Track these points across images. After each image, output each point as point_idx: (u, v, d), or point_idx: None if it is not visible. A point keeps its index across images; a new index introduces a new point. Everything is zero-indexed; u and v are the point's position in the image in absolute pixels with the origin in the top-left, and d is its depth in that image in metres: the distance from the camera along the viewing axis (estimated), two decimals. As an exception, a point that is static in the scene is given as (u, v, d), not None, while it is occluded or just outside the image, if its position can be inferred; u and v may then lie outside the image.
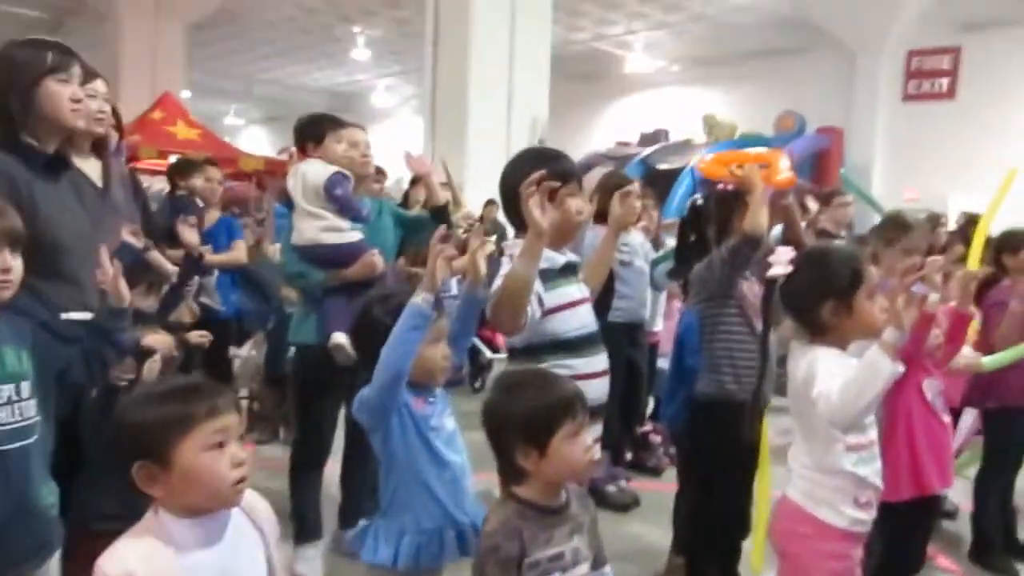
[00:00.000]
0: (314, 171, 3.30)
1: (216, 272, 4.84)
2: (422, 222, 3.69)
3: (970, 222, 4.59)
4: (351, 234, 3.33)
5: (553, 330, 2.35)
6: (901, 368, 1.88)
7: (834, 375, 1.96)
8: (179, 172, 4.88)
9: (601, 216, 2.71)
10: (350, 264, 3.32)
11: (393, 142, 9.06)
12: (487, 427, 1.82)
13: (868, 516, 2.08)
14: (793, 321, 2.18)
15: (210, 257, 4.64)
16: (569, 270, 2.45)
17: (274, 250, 5.66)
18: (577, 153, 13.04)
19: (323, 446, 3.50)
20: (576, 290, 2.45)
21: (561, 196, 2.31)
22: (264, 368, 5.46)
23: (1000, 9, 11.85)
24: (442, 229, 2.08)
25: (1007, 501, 3.80)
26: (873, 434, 2.11)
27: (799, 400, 2.09)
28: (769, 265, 2.16)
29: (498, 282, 2.27)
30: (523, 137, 11.41)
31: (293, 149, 3.51)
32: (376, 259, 3.33)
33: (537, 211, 2.12)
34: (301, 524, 3.40)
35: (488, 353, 6.99)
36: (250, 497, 1.56)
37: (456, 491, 2.07)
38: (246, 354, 5.66)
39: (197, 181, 4.82)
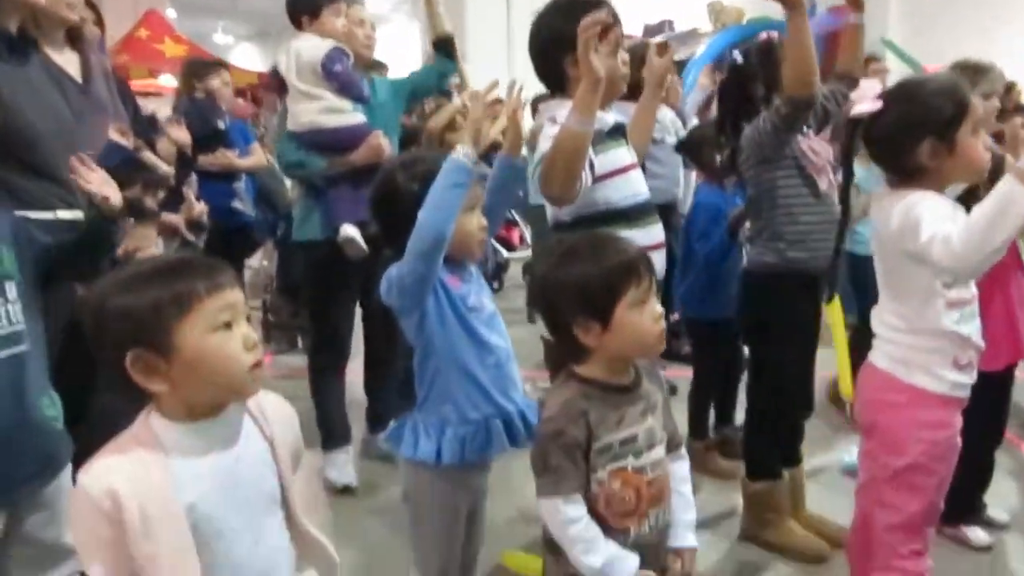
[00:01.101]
0: (310, 47, 2.98)
1: (244, 177, 4.71)
2: (424, 76, 3.36)
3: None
4: (353, 115, 3.03)
5: (606, 198, 2.09)
6: None
7: (945, 218, 1.68)
8: (195, 74, 4.54)
9: (632, 91, 2.39)
10: (354, 149, 3.02)
11: (387, 48, 8.71)
12: (540, 302, 1.58)
13: (969, 379, 1.83)
14: (881, 167, 1.87)
15: (237, 161, 4.55)
16: (618, 132, 2.17)
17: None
18: (580, 48, 12.56)
19: (341, 348, 3.28)
20: (627, 154, 2.17)
21: (611, 42, 2.02)
22: (277, 277, 5.29)
23: None
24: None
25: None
26: (975, 289, 1.84)
27: (890, 254, 1.81)
28: (851, 104, 1.84)
29: (545, 145, 1.99)
30: (524, 38, 10.89)
31: (282, 49, 3.17)
32: (382, 141, 3.03)
33: (595, 56, 1.83)
34: (328, 430, 3.22)
35: (504, 252, 6.75)
36: (260, 398, 1.32)
37: (501, 377, 1.84)
38: (257, 265, 5.45)
39: (214, 82, 4.50)
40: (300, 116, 3.00)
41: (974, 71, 2.95)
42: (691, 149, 3.56)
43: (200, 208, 3.08)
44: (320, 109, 2.97)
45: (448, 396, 1.80)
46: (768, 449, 2.68)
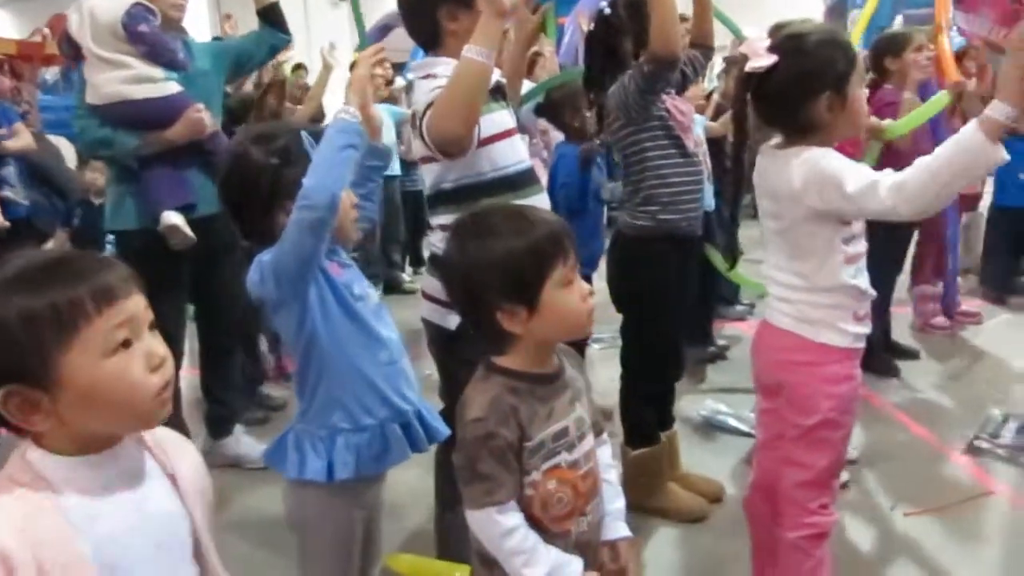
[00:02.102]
0: (106, 5, 2.57)
1: (12, 163, 4.17)
2: (252, 46, 3.02)
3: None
4: (167, 85, 2.66)
5: (493, 163, 1.93)
6: (1006, 155, 1.55)
7: (858, 167, 1.65)
8: None
9: None
10: (169, 124, 2.66)
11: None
12: (454, 288, 1.38)
13: (867, 329, 1.84)
14: (773, 124, 1.81)
15: (3, 144, 4.03)
16: (499, 92, 2.00)
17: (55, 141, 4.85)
18: (378, 10, 12.22)
19: (173, 351, 2.89)
20: (509, 116, 2.02)
21: None
22: None
23: None
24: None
25: (885, 306, 3.87)
26: (864, 245, 1.84)
27: (788, 212, 1.76)
28: (744, 58, 1.76)
29: (430, 96, 1.80)
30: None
31: (46, 30, 2.72)
32: (203, 115, 2.68)
33: None
34: None
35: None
36: (155, 430, 1.06)
37: (395, 374, 1.63)
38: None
39: None
40: (102, 87, 2.60)
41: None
42: (550, 112, 3.47)
43: None
44: (126, 78, 2.58)
45: (337, 401, 1.58)
46: (645, 415, 2.65)
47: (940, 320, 4.49)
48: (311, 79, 9.06)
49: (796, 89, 1.71)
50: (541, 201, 2.03)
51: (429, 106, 1.80)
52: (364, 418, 1.59)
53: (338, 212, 1.48)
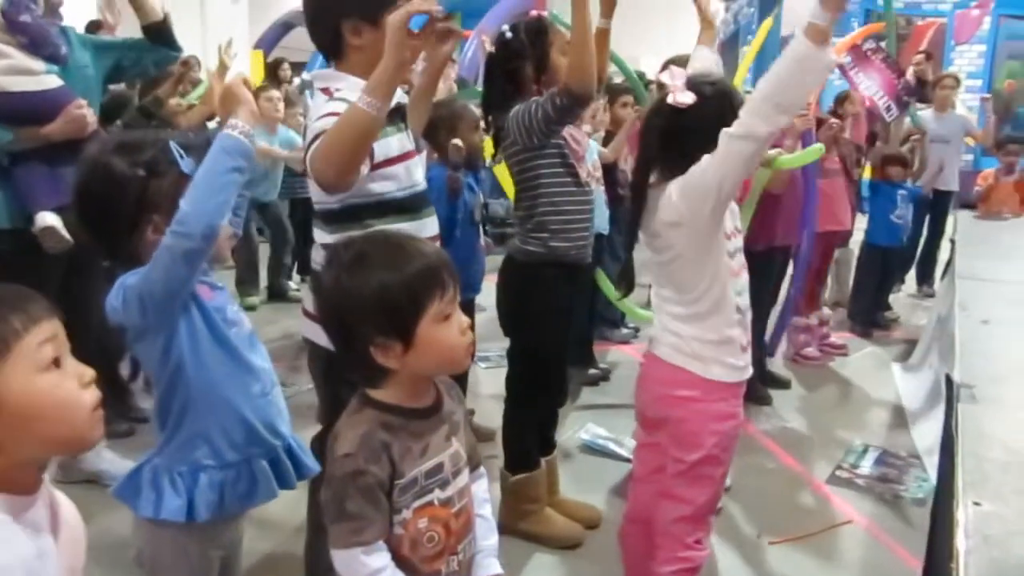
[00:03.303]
0: (-19, -10, 2.41)
1: None
2: (136, 55, 2.85)
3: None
4: (47, 78, 2.53)
5: (382, 187, 1.89)
6: (835, 57, 1.66)
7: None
8: None
9: None
10: (48, 119, 2.53)
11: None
12: (328, 319, 1.35)
13: (748, 360, 1.89)
14: (670, 157, 1.84)
15: None
16: (398, 115, 1.96)
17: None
18: (277, 7, 11.97)
19: None
20: (407, 140, 1.99)
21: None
22: None
23: None
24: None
25: (761, 337, 4.03)
26: (743, 262, 1.91)
27: (674, 238, 1.81)
28: (664, 89, 1.79)
29: (321, 123, 1.75)
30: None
31: None
32: (85, 112, 2.56)
33: (405, 33, 1.64)
34: None
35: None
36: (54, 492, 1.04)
37: (266, 407, 1.56)
38: None
39: None
40: (-27, 77, 2.44)
41: (684, 60, 3.20)
42: (427, 131, 3.39)
43: None
44: (2, 69, 2.43)
45: (202, 436, 1.48)
46: (527, 440, 2.67)
47: (811, 351, 4.71)
48: (203, 75, 8.74)
49: (710, 130, 1.73)
50: (431, 224, 2.02)
51: (317, 137, 1.75)
52: (230, 454, 1.51)
53: (213, 242, 1.40)
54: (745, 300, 1.87)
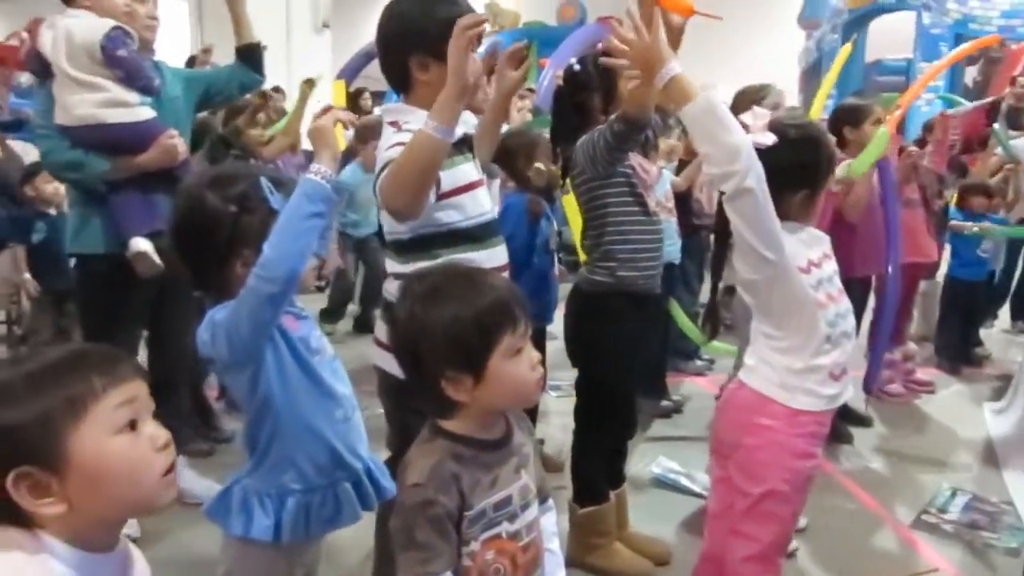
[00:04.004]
0: (84, 26, 2.54)
1: None
2: (224, 81, 3.00)
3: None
4: (141, 110, 2.64)
5: (449, 217, 1.92)
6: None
7: None
8: None
9: None
10: (142, 149, 2.64)
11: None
12: (400, 350, 1.37)
13: (841, 388, 1.83)
14: None
15: None
16: (465, 144, 1.99)
17: (21, 147, 4.74)
18: (360, 38, 12.28)
19: None
20: (473, 169, 2.01)
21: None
22: (38, 284, 4.59)
23: None
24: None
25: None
26: (838, 287, 1.87)
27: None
28: (745, 128, 1.78)
29: (389, 153, 1.79)
30: (305, 21, 10.57)
31: (25, 34, 2.70)
32: (176, 142, 2.67)
33: (468, 60, 1.68)
34: None
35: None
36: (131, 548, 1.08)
37: (349, 431, 1.61)
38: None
39: None
40: (74, 108, 2.56)
41: (757, 91, 3.20)
42: (504, 158, 3.42)
43: None
44: (100, 101, 2.55)
45: (289, 461, 1.54)
46: (596, 472, 2.64)
47: (895, 387, 4.55)
48: (288, 104, 9.01)
49: (784, 176, 1.73)
50: (500, 253, 2.03)
51: (386, 165, 1.79)
52: (316, 478, 1.56)
53: (296, 285, 1.44)
54: (842, 327, 1.82)
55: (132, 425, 0.98)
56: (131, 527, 2.73)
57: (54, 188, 4.17)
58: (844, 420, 3.96)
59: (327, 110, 1.66)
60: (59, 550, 0.95)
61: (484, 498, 1.32)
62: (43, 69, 2.65)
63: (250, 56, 2.96)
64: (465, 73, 1.69)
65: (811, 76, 11.88)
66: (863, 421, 4.09)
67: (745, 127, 1.72)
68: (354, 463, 1.60)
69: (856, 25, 11.10)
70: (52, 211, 4.35)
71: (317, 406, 1.55)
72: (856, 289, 3.78)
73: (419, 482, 1.28)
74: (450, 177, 1.89)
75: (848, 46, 5.65)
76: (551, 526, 1.52)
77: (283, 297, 1.43)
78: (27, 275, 4.66)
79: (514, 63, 2.10)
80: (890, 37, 11.37)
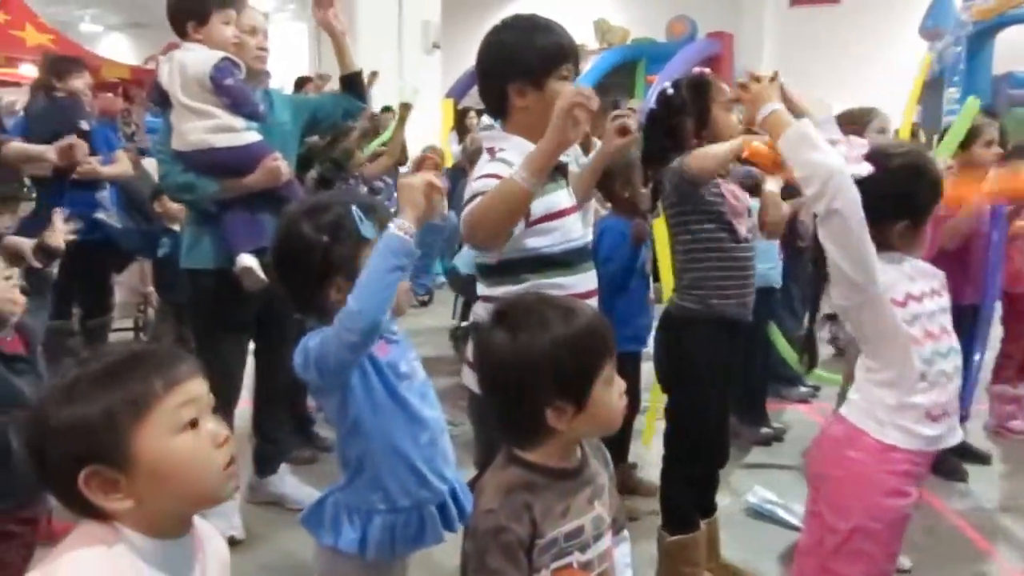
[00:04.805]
0: (196, 58, 2.70)
1: (108, 186, 4.32)
2: (330, 108, 3.12)
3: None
4: (248, 134, 2.78)
5: (539, 243, 1.93)
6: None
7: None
8: (56, 72, 4.15)
9: None
10: (249, 171, 2.77)
11: (272, 50, 8.33)
12: (498, 382, 1.35)
13: (943, 430, 1.76)
14: None
15: (100, 169, 4.15)
16: (559, 172, 2.00)
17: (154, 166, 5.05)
18: (470, 58, 12.52)
19: (233, 385, 3.01)
20: (566, 196, 2.02)
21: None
22: (159, 295, 4.84)
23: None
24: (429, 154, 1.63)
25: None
26: (939, 324, 1.80)
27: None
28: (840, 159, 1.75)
29: (479, 184, 1.82)
30: (416, 42, 10.87)
31: (161, 58, 2.88)
32: (280, 164, 2.79)
33: (570, 124, 1.72)
34: None
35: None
36: (199, 523, 1.14)
37: (435, 455, 1.65)
38: (127, 281, 5.02)
39: (78, 83, 4.14)
40: (188, 135, 2.72)
41: (862, 115, 3.12)
42: (600, 181, 3.37)
43: (60, 237, 2.70)
44: (210, 128, 2.70)
45: (377, 483, 1.60)
46: (686, 500, 2.59)
47: (1018, 424, 4.26)
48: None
49: (884, 206, 1.70)
50: (590, 278, 2.03)
51: (473, 198, 1.82)
52: (402, 500, 1.61)
53: (378, 334, 1.50)
54: (940, 366, 1.74)
55: (193, 423, 1.03)
56: (236, 529, 2.88)
57: (178, 206, 4.38)
58: (960, 456, 3.75)
59: (423, 163, 1.70)
60: (135, 540, 1.01)
61: (556, 527, 1.32)
62: (162, 99, 2.82)
63: (353, 84, 3.06)
64: (566, 137, 1.73)
65: (931, 89, 11.36)
66: (981, 458, 3.84)
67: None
68: (439, 485, 1.64)
69: (982, 37, 10.55)
70: (176, 227, 4.59)
71: (404, 430, 1.60)
72: (967, 316, 3.59)
73: (492, 508, 1.30)
74: (542, 204, 1.90)
75: (928, 56, 5.37)
76: (624, 557, 1.52)
77: (363, 346, 1.49)
78: (151, 288, 4.94)
79: (620, 131, 2.11)
80: (1020, 49, 10.75)
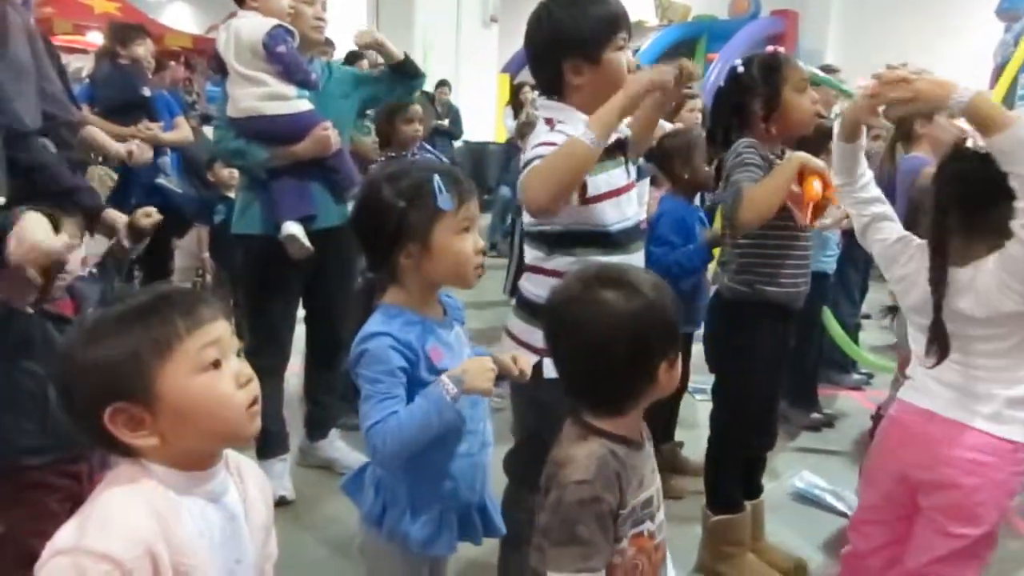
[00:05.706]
0: (250, 25, 2.71)
1: (169, 152, 4.40)
2: (387, 89, 3.11)
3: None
4: (299, 103, 2.78)
5: (595, 220, 1.90)
6: None
7: None
8: (121, 39, 4.23)
9: None
10: (299, 139, 2.78)
11: (331, 19, 8.38)
12: (607, 344, 1.31)
13: None
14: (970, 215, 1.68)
15: (161, 135, 4.23)
16: (618, 148, 1.96)
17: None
18: (528, 33, 12.45)
19: (281, 350, 3.05)
20: (623, 174, 1.98)
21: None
22: (214, 262, 4.97)
23: None
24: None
25: None
26: None
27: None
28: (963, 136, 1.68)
29: (538, 150, 1.79)
30: (474, 15, 10.84)
31: (220, 26, 2.90)
32: (330, 133, 2.80)
33: (644, 91, 1.76)
34: (264, 437, 2.91)
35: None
36: (234, 456, 1.19)
37: (470, 467, 1.61)
38: (187, 246, 5.13)
39: (140, 49, 4.22)
40: (240, 101, 2.74)
41: None
42: (659, 159, 3.23)
43: (152, 219, 2.71)
44: (261, 95, 2.72)
45: (403, 474, 1.57)
46: (731, 480, 2.56)
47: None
48: (456, 96, 9.16)
49: (989, 191, 1.61)
50: (638, 259, 2.00)
51: (531, 162, 1.79)
52: (424, 500, 1.58)
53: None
54: None
55: (216, 364, 1.05)
56: (287, 490, 2.96)
57: (229, 173, 4.45)
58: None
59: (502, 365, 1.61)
60: (162, 473, 1.05)
61: (636, 496, 1.34)
62: (220, 67, 2.85)
63: (402, 71, 3.03)
64: (638, 101, 1.75)
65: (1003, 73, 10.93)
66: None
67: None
68: (468, 497, 1.62)
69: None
70: (232, 195, 4.66)
71: (446, 443, 1.56)
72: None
73: (586, 479, 1.28)
74: (597, 182, 1.87)
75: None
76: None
77: (395, 462, 1.51)
78: (207, 254, 5.03)
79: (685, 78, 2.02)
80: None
